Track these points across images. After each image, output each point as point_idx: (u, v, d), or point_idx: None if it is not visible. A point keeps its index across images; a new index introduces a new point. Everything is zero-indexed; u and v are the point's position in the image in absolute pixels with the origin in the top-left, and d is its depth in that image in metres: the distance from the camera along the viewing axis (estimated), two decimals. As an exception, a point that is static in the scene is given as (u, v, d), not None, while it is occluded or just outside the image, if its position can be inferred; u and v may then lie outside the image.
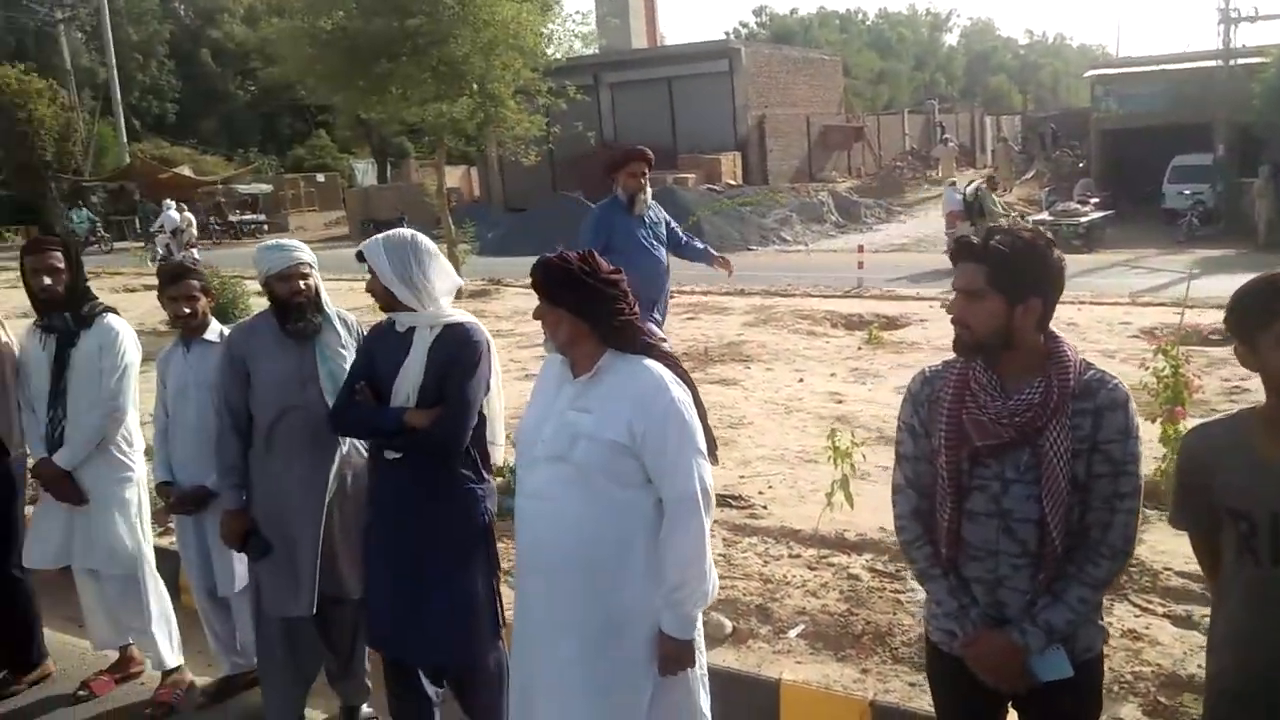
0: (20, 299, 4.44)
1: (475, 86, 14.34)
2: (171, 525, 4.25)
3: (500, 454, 3.14)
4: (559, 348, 2.62)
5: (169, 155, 37.90)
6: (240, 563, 3.67)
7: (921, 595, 4.13)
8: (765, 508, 5.33)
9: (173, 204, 22.52)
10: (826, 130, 30.97)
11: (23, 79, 33.19)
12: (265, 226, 32.28)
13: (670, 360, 2.66)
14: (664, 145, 27.58)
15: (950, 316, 2.28)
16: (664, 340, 3.59)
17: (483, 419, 3.16)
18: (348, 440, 3.46)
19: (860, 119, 34.96)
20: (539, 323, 2.63)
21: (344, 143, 46.08)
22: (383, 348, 3.17)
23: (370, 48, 13.75)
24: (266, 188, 36.38)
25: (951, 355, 2.32)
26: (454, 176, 29.79)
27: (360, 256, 3.12)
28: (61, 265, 3.74)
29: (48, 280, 3.71)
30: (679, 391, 2.56)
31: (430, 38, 13.53)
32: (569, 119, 18.08)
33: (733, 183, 25.72)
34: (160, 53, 45.85)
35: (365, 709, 3.71)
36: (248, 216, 33.13)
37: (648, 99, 28.50)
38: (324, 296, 3.52)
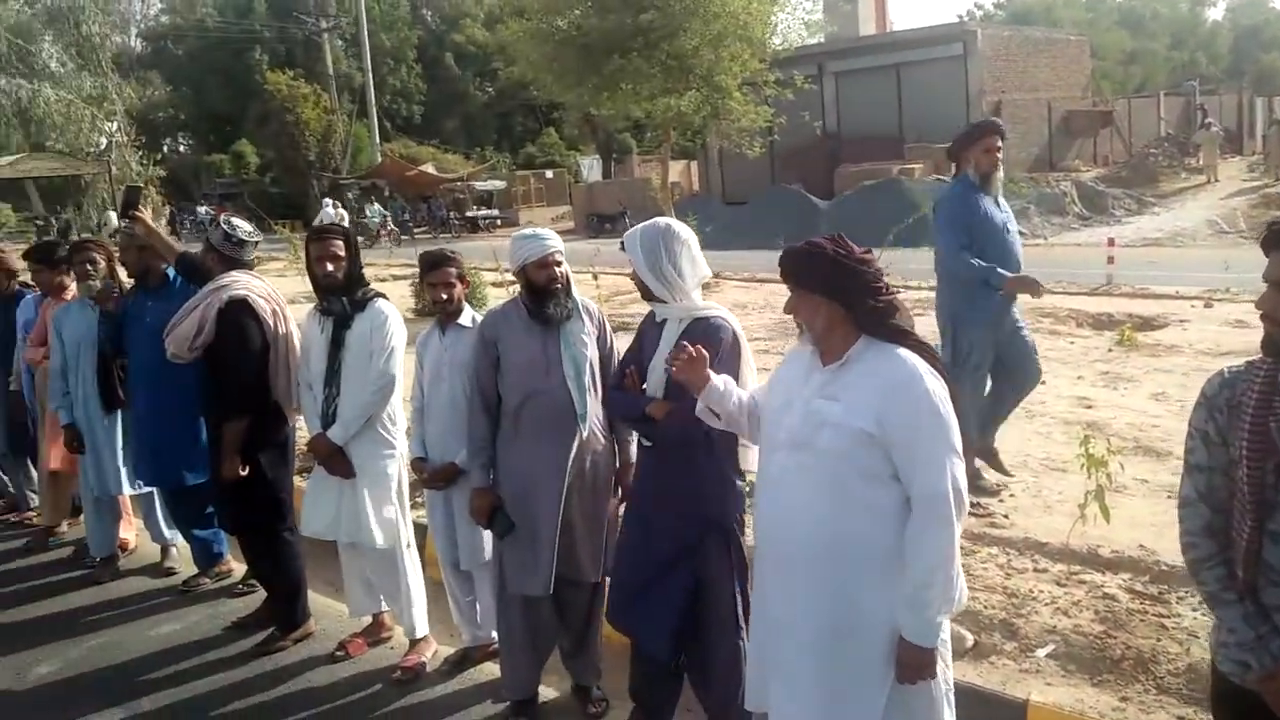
0: (292, 285, 4.84)
1: (703, 79, 14.44)
2: (421, 500, 4.49)
3: (753, 456, 3.07)
4: (815, 337, 2.54)
5: (415, 154, 40.67)
6: (485, 539, 3.84)
7: (1189, 620, 3.81)
8: (1007, 516, 5.01)
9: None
10: (1070, 115, 28.90)
11: (291, 85, 36.67)
12: (499, 221, 33.95)
13: (926, 350, 2.52)
14: (889, 135, 26.69)
15: (1259, 312, 2.04)
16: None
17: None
18: (588, 425, 3.54)
19: (1109, 103, 32.39)
20: (762, 316, 2.57)
21: (571, 140, 47.76)
22: (646, 335, 3.25)
23: (603, 44, 14.16)
24: (501, 184, 38.27)
25: (1234, 358, 2.08)
26: (675, 170, 30.15)
27: (624, 246, 3.19)
28: (342, 253, 4.05)
29: (330, 267, 4.02)
30: (934, 383, 2.42)
31: (661, 32, 13.76)
32: (794, 109, 17.85)
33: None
34: (409, 57, 49.26)
35: (595, 689, 3.79)
36: (483, 212, 34.96)
37: (875, 87, 27.65)
38: (572, 285, 3.62)
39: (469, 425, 3.69)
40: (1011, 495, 5.30)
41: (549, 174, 40.72)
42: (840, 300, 2.45)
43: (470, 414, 3.68)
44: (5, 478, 6.40)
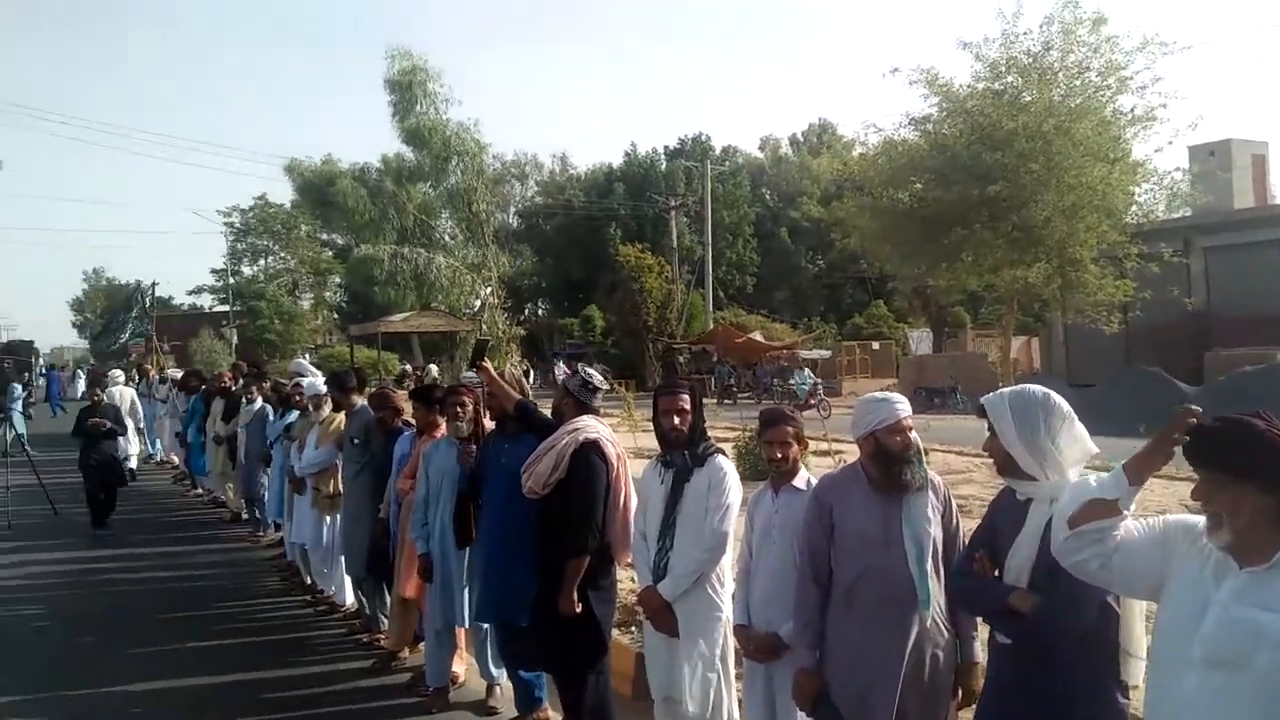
0: (624, 440, 4.96)
1: (1054, 251, 13.71)
2: (740, 671, 4.27)
3: (1140, 669, 2.59)
4: (1235, 532, 2.09)
5: (744, 322, 42.15)
6: (800, 720, 3.53)
7: None
8: None
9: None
10: None
11: (639, 257, 39.77)
12: (822, 390, 33.84)
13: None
14: (1271, 316, 23.65)
15: None
16: None
17: (1116, 615, 2.69)
18: (930, 612, 3.20)
19: None
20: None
21: (901, 312, 47.27)
22: (1003, 515, 2.91)
23: (944, 215, 13.98)
24: (826, 353, 38.44)
25: None
26: (1013, 346, 28.62)
27: (981, 411, 2.92)
28: (688, 407, 4.10)
29: (676, 420, 4.08)
30: None
31: (1010, 203, 13.36)
32: (1158, 284, 16.38)
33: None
34: (746, 232, 51.96)
35: None
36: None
37: (1254, 263, 24.78)
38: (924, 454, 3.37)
39: (796, 595, 3.48)
40: None
41: (876, 345, 40.30)
42: (1274, 490, 2.02)
43: (799, 583, 3.47)
44: (364, 598, 7.00)
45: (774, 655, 3.69)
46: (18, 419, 15.12)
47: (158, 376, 18.79)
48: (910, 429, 3.36)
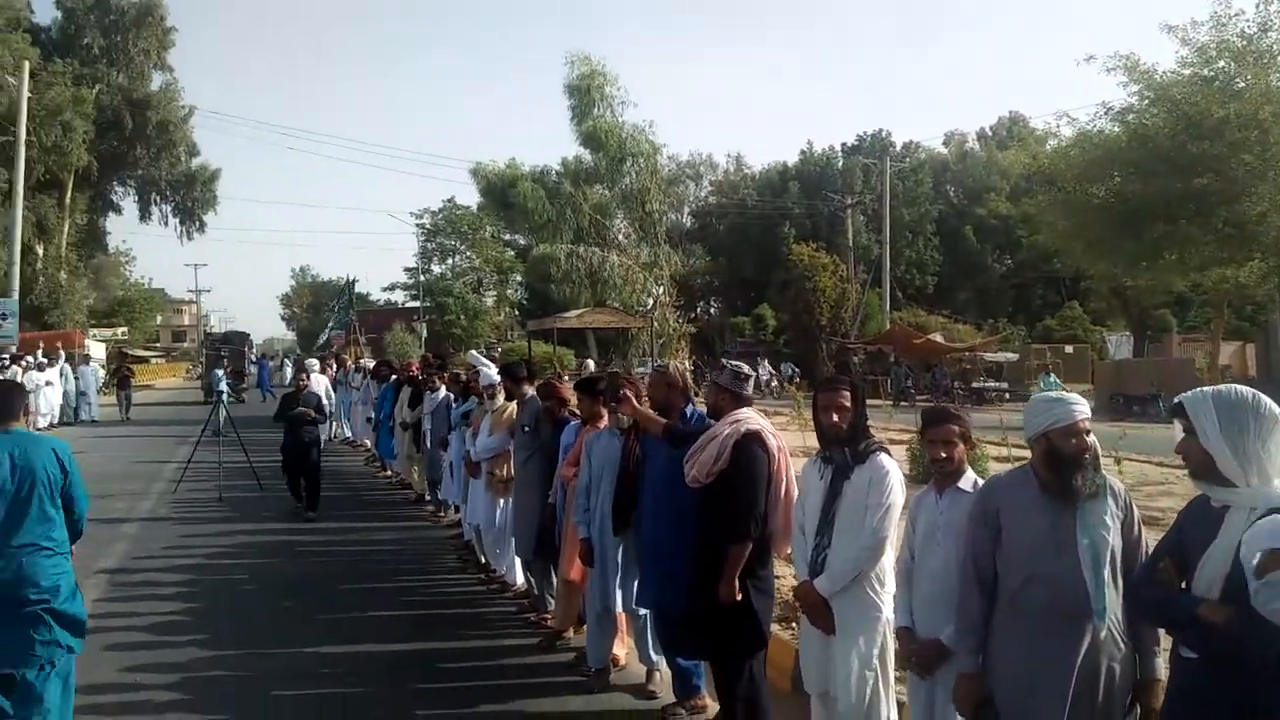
0: (792, 439, 4.95)
1: (1269, 248, 12.54)
2: (901, 675, 4.16)
3: None
4: None
5: (924, 323, 40.77)
6: (969, 730, 3.40)
7: None
8: None
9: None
10: None
11: (813, 256, 39.18)
12: (1008, 394, 32.35)
13: None
14: None
15: None
16: None
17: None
18: (1105, 623, 3.02)
19: None
20: None
21: (1097, 314, 44.50)
22: (1194, 523, 2.72)
23: (1144, 211, 13.06)
24: (1012, 356, 36.66)
25: None
26: (1225, 352, 26.38)
27: (1175, 411, 2.74)
28: (849, 404, 4.03)
29: (835, 416, 4.01)
30: None
31: (1219, 197, 12.31)
32: (1397, 286, 14.70)
33: None
34: (928, 230, 50.23)
35: None
36: (991, 384, 33.61)
37: None
38: (1100, 458, 3.19)
39: (959, 600, 3.36)
40: None
41: (1069, 349, 38.07)
42: None
43: (962, 588, 3.35)
44: (532, 579, 7.26)
45: (936, 662, 3.58)
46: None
47: (354, 366, 20.09)
48: (1087, 432, 3.20)
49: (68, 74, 38.95)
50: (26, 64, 30.62)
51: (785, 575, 6.58)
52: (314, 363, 18.70)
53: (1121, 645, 3.09)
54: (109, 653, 6.08)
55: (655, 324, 29.45)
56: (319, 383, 17.52)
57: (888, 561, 3.93)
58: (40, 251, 39.30)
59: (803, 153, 55.30)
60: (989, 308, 50.34)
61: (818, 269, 38.87)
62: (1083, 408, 3.21)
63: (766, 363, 35.05)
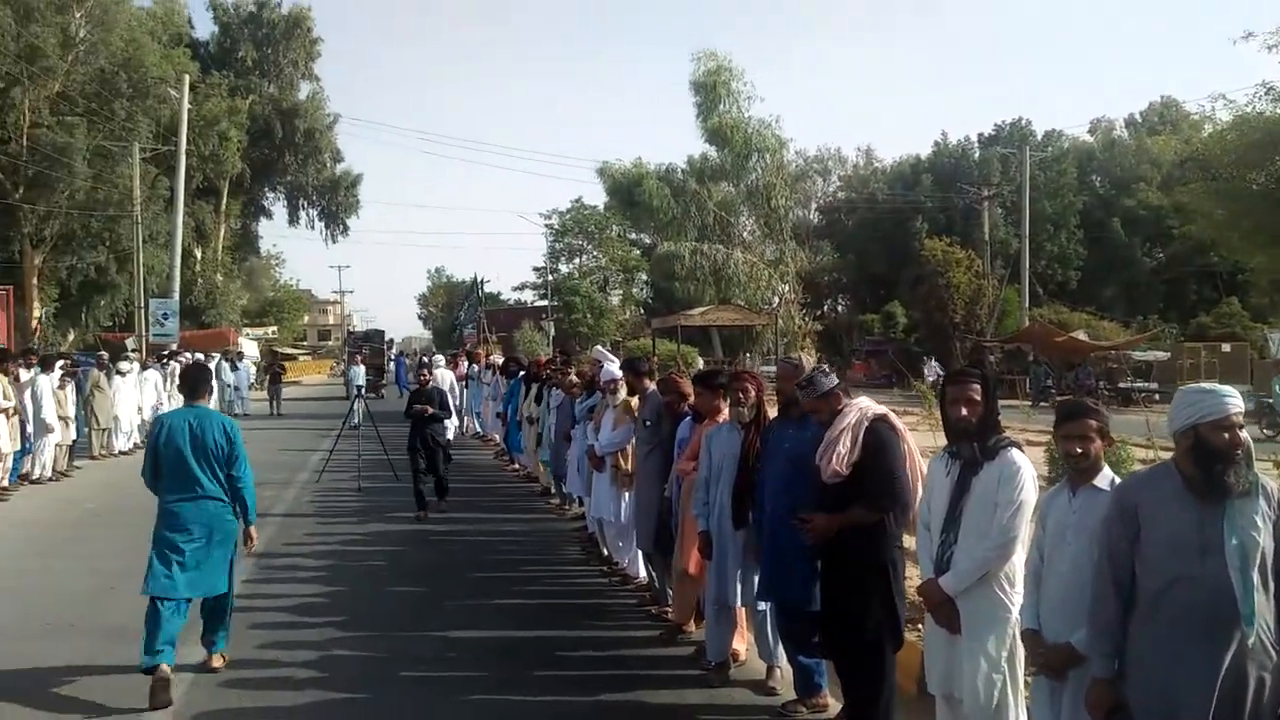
0: (923, 439, 4.86)
1: None
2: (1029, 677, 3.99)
3: None
4: None
5: (1066, 320, 38.94)
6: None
7: None
8: None
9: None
10: None
11: (947, 251, 38.00)
12: (1157, 395, 30.61)
13: None
14: None
15: None
16: None
17: None
18: (1254, 630, 2.82)
19: None
20: None
21: (1259, 310, 41.52)
22: None
23: (1311, 197, 12.09)
24: (1162, 355, 34.66)
25: None
26: None
27: None
28: (978, 398, 3.89)
29: (964, 410, 3.88)
30: None
31: (1396, 180, 11.29)
32: None
33: None
34: (1071, 223, 47.90)
35: None
36: (1139, 384, 31.88)
37: None
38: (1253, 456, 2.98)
39: (1093, 602, 3.20)
40: None
41: (1226, 347, 35.67)
42: None
43: (1097, 587, 3.19)
44: (653, 572, 7.30)
45: (1066, 667, 3.42)
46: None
47: (484, 363, 20.65)
48: (1240, 427, 3.01)
49: (223, 86, 41.49)
50: (187, 78, 32.77)
51: (911, 576, 6.41)
52: (439, 359, 19.26)
53: (1273, 654, 2.89)
54: (253, 631, 6.44)
55: (780, 321, 29.15)
56: (443, 378, 18.22)
57: (1018, 560, 3.77)
58: (199, 255, 41.97)
59: (936, 144, 53.62)
60: (1137, 304, 47.64)
61: (952, 264, 37.68)
62: (1236, 401, 3.03)
63: (935, 362, 34.04)
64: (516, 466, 14.75)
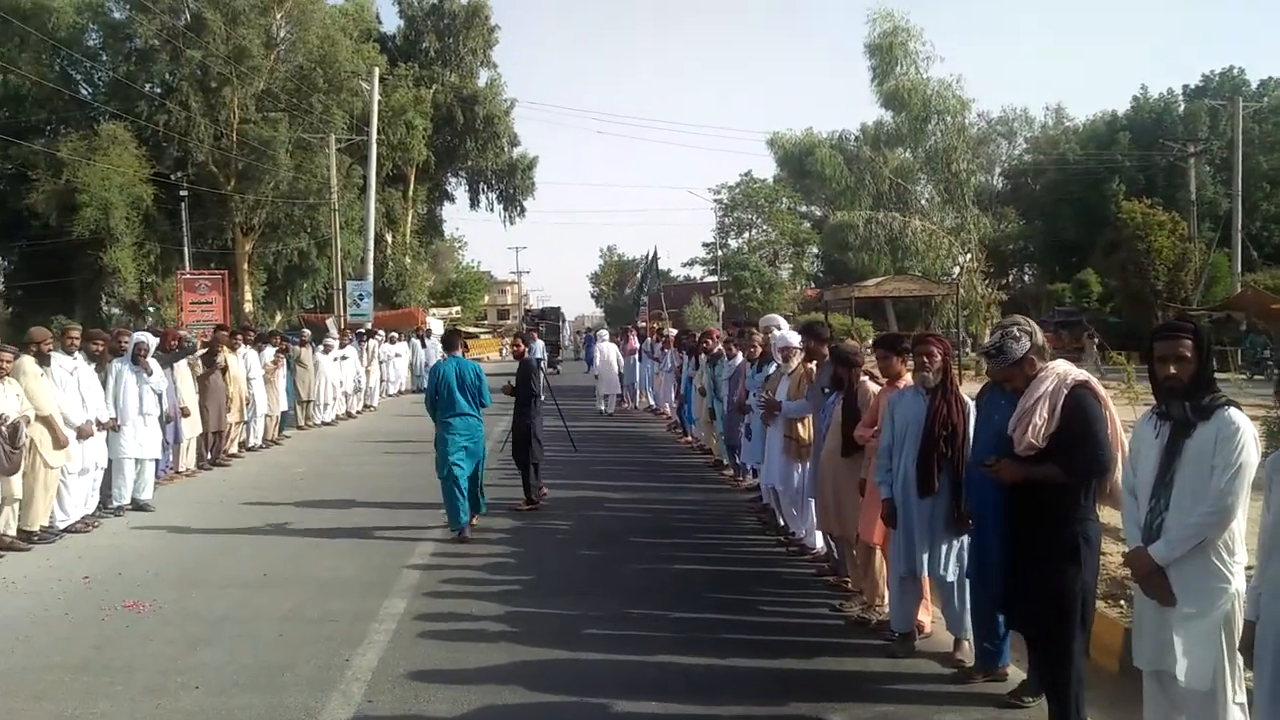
0: (1121, 414, 4.48)
1: None
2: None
3: None
4: None
5: (1293, 284, 35.46)
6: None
7: None
8: None
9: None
10: None
11: (1147, 213, 35.26)
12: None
13: None
14: None
15: None
16: None
17: None
18: None
19: None
20: None
21: None
22: None
23: None
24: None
25: None
26: None
27: None
28: (1190, 354, 3.59)
29: (1173, 368, 3.59)
30: None
31: None
32: None
33: None
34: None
35: None
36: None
37: None
38: None
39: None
40: None
41: None
42: None
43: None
44: (832, 543, 7.18)
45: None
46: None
47: (656, 337, 20.86)
48: None
49: (409, 77, 43.49)
50: (377, 71, 34.57)
51: (1110, 551, 6.04)
52: (604, 332, 19.65)
53: None
54: (446, 585, 6.81)
55: (962, 292, 27.96)
56: (605, 351, 19.01)
57: (1238, 528, 3.47)
58: (389, 239, 44.35)
59: (1135, 99, 49.75)
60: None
61: (1152, 228, 34.92)
62: None
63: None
64: (689, 439, 14.85)
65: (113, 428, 9.49)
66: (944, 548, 5.24)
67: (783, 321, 9.52)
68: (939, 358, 5.37)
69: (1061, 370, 4.23)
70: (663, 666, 5.30)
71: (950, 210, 29.96)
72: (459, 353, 8.97)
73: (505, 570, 7.35)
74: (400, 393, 25.25)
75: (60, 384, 8.72)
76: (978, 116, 42.89)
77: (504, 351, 44.05)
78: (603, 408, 20.06)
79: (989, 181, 52.33)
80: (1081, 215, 45.29)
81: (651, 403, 20.57)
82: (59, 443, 8.44)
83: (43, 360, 8.60)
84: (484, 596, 6.55)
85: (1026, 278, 53.88)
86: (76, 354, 9.17)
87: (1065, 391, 4.12)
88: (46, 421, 8.35)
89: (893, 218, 29.12)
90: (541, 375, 11.07)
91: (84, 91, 35.26)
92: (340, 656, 5.43)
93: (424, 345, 27.30)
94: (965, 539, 5.13)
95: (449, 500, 8.48)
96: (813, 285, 56.46)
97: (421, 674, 5.16)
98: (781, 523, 8.44)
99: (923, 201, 30.91)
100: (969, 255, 29.69)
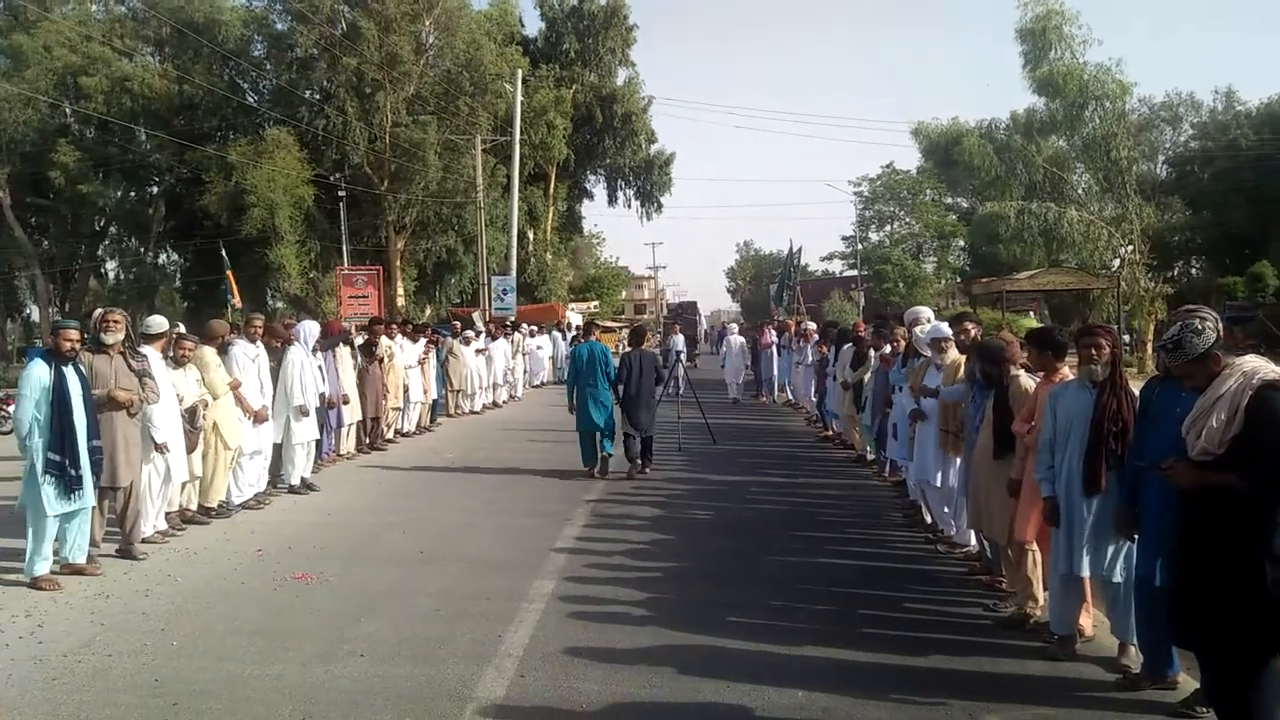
0: None
1: None
2: None
3: None
4: None
5: None
6: None
7: None
8: None
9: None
10: None
11: (1333, 201, 32.47)
12: None
13: None
14: None
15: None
16: None
17: None
18: None
19: None
20: None
21: None
22: None
23: None
24: None
25: None
26: None
27: None
28: None
29: None
30: None
31: None
32: None
33: None
34: None
35: None
36: None
37: None
38: None
39: None
40: None
41: None
42: None
43: None
44: (985, 540, 6.94)
45: None
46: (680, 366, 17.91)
47: (795, 330, 20.61)
48: None
49: (550, 77, 44.38)
50: (520, 73, 35.43)
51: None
52: (733, 325, 19.56)
53: None
54: (590, 570, 6.94)
55: (1123, 284, 26.45)
56: (731, 344, 19.64)
57: None
58: (531, 236, 45.40)
59: (1318, 79, 45.87)
60: None
61: (1340, 216, 32.19)
62: None
63: None
64: (830, 433, 14.63)
65: (303, 413, 10.27)
66: (1110, 548, 4.99)
67: (930, 313, 9.26)
68: (1107, 350, 5.11)
69: (1250, 367, 3.78)
70: (807, 658, 5.25)
71: (1110, 200, 28.33)
72: (594, 337, 12.27)
73: (648, 557, 7.44)
74: (543, 384, 25.87)
75: (242, 369, 9.33)
76: (1139, 102, 40.40)
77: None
78: (733, 395, 21.59)
79: (1152, 170, 49.24)
80: (1255, 205, 42.09)
81: (790, 397, 20.39)
82: (248, 413, 9.25)
83: (222, 351, 9.24)
84: (627, 582, 6.65)
85: (1194, 271, 50.50)
86: (258, 342, 9.80)
87: (1250, 392, 3.68)
88: (230, 401, 9.01)
89: (1047, 208, 27.76)
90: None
91: (251, 99, 37.49)
92: (493, 633, 5.62)
93: (564, 338, 27.86)
94: (1135, 540, 4.87)
95: (584, 447, 11.31)
96: (958, 280, 54.58)
97: (572, 651, 5.29)
98: (929, 519, 8.22)
99: (1079, 191, 29.35)
100: (1130, 247, 28.06)
